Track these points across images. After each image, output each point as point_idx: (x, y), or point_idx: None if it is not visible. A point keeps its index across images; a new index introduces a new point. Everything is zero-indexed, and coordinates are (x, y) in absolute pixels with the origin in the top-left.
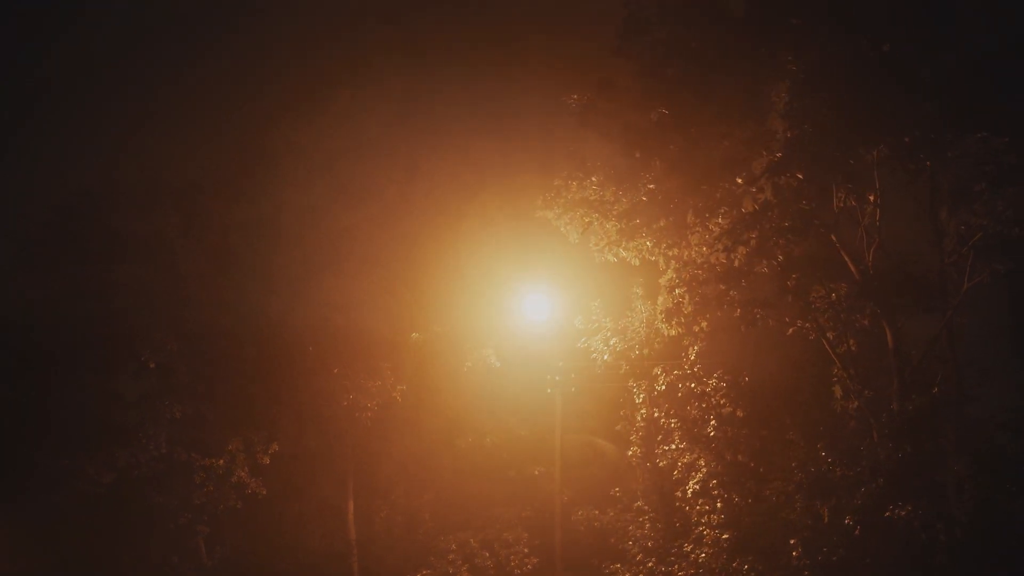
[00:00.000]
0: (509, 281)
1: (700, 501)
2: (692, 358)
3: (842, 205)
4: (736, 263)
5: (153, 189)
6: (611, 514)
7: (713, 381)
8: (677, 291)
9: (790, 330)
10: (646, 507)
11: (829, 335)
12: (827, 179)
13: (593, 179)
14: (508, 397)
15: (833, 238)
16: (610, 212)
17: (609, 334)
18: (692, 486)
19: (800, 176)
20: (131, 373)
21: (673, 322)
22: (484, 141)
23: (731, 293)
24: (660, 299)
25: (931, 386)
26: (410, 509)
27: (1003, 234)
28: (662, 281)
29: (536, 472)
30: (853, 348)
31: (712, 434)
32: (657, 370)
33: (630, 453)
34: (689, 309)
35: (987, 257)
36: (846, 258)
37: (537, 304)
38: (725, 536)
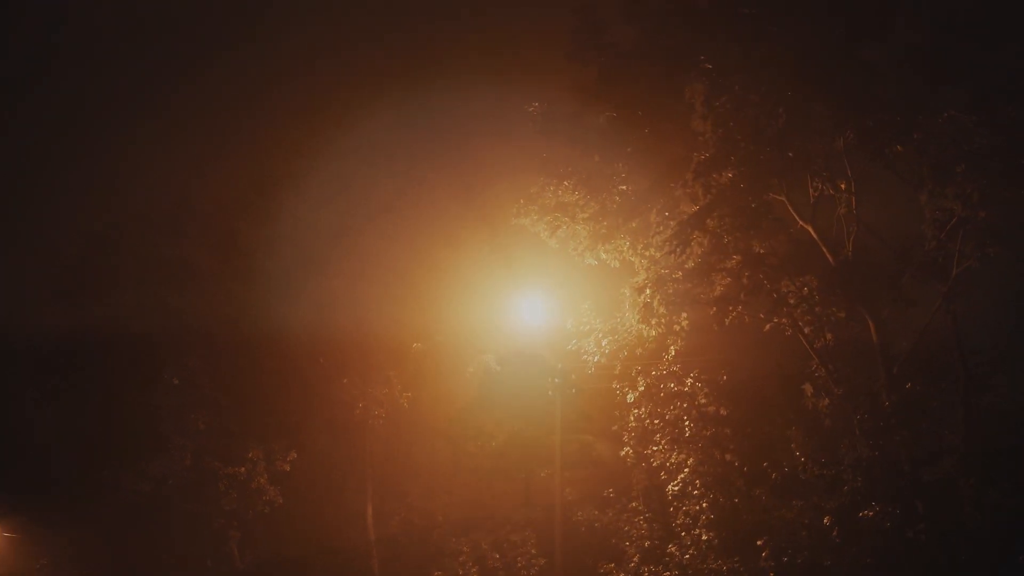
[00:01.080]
0: (507, 286)
1: (687, 502)
2: (670, 358)
3: (817, 194)
4: (692, 262)
5: (181, 215)
6: (610, 514)
7: (690, 381)
8: (647, 291)
9: (767, 326)
10: (641, 507)
11: (806, 330)
12: (761, 177)
13: (566, 183)
14: (511, 400)
15: (809, 228)
16: (578, 216)
17: (601, 335)
18: (671, 488)
19: (731, 175)
20: (158, 389)
21: (653, 322)
22: (483, 150)
23: (697, 292)
24: (630, 300)
25: (925, 378)
26: (426, 511)
27: (972, 219)
28: (633, 282)
29: (543, 474)
30: (830, 342)
31: (688, 435)
32: (635, 370)
33: (623, 454)
34: (662, 309)
35: (978, 240)
36: (824, 250)
37: (534, 308)
38: (705, 537)
